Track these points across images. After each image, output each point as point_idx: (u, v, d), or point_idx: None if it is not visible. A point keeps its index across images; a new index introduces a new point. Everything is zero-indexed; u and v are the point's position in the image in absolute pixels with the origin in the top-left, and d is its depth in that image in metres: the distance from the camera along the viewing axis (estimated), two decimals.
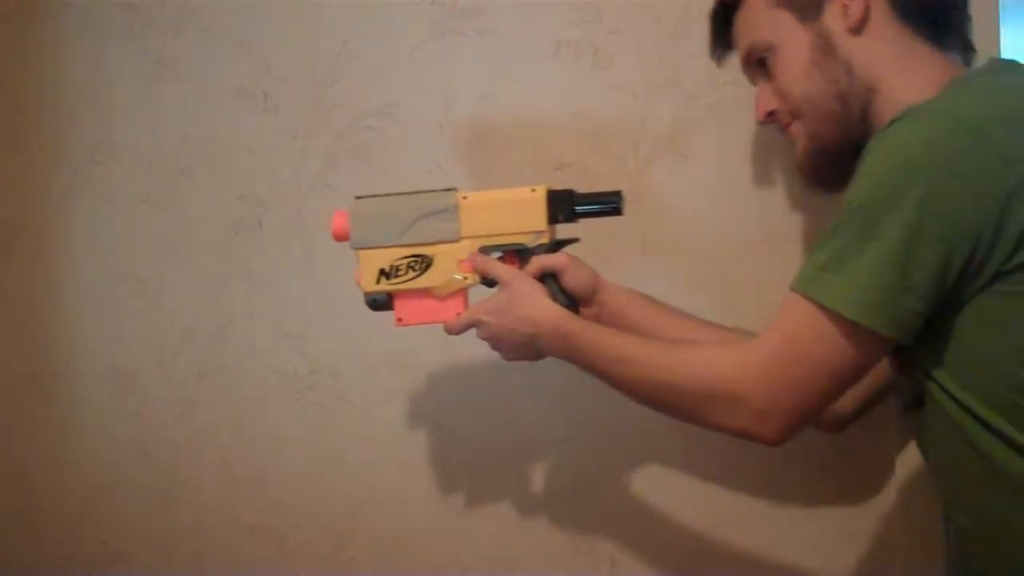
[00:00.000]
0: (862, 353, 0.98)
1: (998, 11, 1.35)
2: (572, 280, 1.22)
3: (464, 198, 1.23)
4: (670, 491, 1.47)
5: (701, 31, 1.26)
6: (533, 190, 1.22)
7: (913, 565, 1.37)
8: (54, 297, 1.66)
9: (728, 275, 1.43)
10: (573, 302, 1.22)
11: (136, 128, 1.62)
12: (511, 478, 1.52)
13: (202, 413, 1.62)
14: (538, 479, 1.52)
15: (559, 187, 1.22)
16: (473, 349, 1.38)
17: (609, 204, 1.23)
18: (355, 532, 1.57)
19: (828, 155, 1.13)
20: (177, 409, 1.62)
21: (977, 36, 1.34)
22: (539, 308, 1.17)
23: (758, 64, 1.17)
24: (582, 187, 1.23)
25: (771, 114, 1.17)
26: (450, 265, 1.24)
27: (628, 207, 1.23)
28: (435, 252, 1.24)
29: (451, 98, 1.52)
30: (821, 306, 0.96)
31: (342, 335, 1.56)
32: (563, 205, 1.22)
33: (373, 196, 1.26)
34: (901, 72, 1.07)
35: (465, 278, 1.24)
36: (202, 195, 1.61)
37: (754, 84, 1.21)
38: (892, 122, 0.97)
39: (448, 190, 1.24)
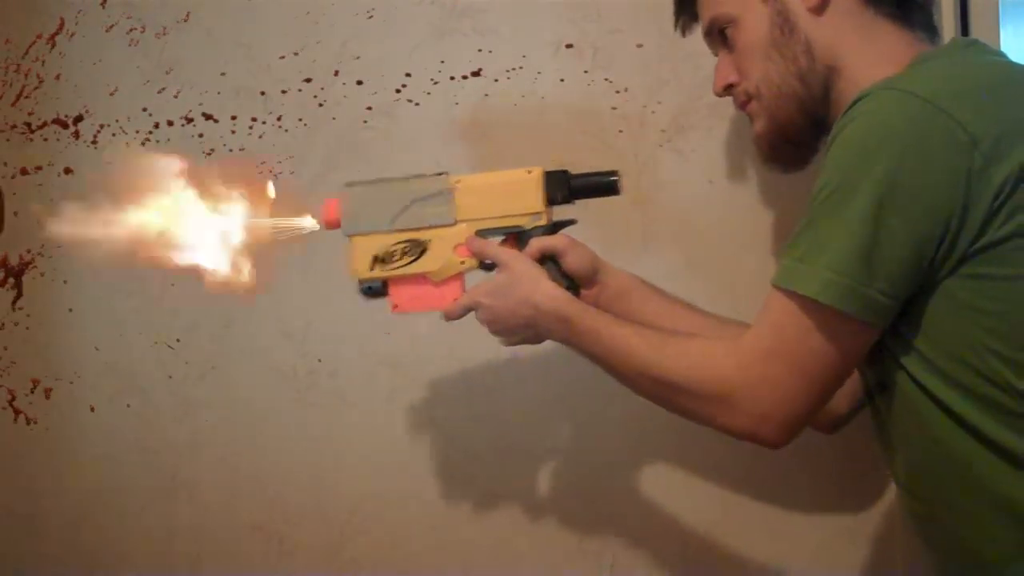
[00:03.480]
0: (846, 342, 0.97)
1: (998, 11, 1.35)
2: (572, 262, 1.20)
3: (457, 182, 1.22)
4: (671, 492, 1.47)
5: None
6: (529, 171, 1.20)
7: (915, 566, 1.37)
8: (54, 296, 1.66)
9: (728, 275, 1.43)
10: (574, 284, 1.20)
11: (136, 128, 1.62)
12: (511, 478, 1.52)
13: (202, 413, 1.62)
14: (538, 479, 1.52)
15: (554, 168, 1.21)
16: (473, 349, 1.38)
17: (606, 183, 1.20)
18: (355, 532, 1.57)
19: (788, 135, 1.12)
20: (177, 409, 1.62)
21: (977, 36, 1.35)
22: (540, 290, 1.15)
23: (720, 36, 1.15)
24: None
25: (729, 87, 1.16)
26: (446, 250, 1.22)
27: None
28: (430, 237, 1.22)
29: (451, 98, 1.52)
30: (801, 297, 0.96)
31: (342, 335, 1.56)
32: (560, 185, 1.20)
33: (363, 182, 1.25)
34: (863, 51, 1.06)
35: (462, 262, 1.22)
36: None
37: (716, 55, 1.19)
38: (855, 102, 0.97)
39: (439, 174, 1.23)
